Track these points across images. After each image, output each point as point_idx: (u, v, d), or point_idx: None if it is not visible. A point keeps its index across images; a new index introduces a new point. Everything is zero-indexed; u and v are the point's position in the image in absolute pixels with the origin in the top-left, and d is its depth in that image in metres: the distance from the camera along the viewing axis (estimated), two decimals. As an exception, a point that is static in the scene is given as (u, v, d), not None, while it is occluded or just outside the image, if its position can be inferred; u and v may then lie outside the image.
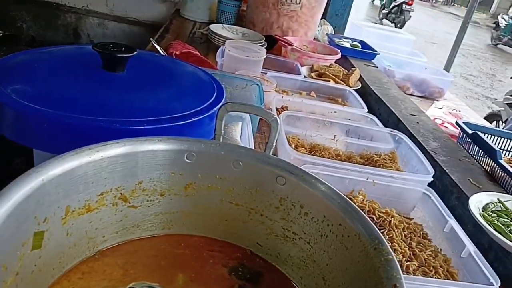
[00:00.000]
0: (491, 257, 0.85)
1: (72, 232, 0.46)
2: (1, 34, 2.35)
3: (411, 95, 2.10)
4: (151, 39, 1.45)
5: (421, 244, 0.77)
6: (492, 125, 3.91)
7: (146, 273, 0.49)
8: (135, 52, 0.66)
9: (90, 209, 0.48)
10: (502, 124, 3.70)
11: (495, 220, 0.81)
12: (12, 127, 0.57)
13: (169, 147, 0.52)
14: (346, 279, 0.45)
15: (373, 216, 0.79)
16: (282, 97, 1.32)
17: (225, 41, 1.48)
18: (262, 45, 1.89)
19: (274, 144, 0.55)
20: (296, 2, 1.90)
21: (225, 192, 0.56)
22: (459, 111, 1.82)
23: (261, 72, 1.44)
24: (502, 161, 1.05)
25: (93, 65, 0.67)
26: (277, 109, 1.29)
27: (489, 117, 3.94)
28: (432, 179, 0.92)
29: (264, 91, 1.26)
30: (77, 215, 0.47)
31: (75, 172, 0.44)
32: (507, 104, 3.64)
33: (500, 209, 0.88)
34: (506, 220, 0.84)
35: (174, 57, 1.46)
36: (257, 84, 1.12)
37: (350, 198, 0.83)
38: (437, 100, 2.11)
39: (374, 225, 0.44)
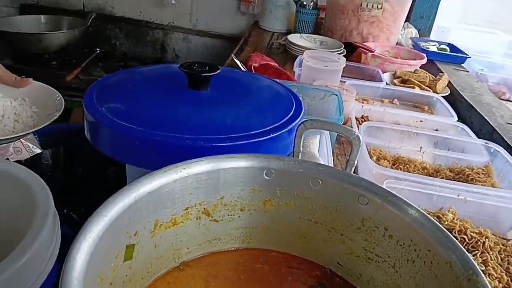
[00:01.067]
0: None
1: (159, 244, 0.49)
2: (98, 51, 2.58)
3: (507, 100, 1.91)
4: (232, 55, 1.50)
5: (521, 270, 0.70)
6: None
7: (227, 286, 0.51)
8: (218, 71, 0.68)
9: (176, 223, 0.51)
10: None
11: None
12: (107, 143, 0.62)
13: (249, 164, 0.53)
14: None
15: (465, 237, 0.73)
16: (363, 106, 1.28)
17: (303, 51, 1.48)
18: (340, 53, 1.86)
19: (356, 162, 0.54)
20: (377, 7, 1.84)
21: (304, 210, 0.55)
22: None
23: (340, 81, 1.42)
24: None
25: (179, 83, 0.71)
26: (356, 118, 1.25)
27: None
28: (536, 198, 0.82)
29: (343, 101, 1.23)
30: (165, 229, 0.49)
31: (164, 189, 0.47)
32: None
33: None
34: None
35: (253, 69, 1.49)
36: (336, 95, 1.10)
37: (438, 217, 0.78)
38: (540, 105, 1.89)
39: (468, 255, 0.41)
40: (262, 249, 0.58)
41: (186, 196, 0.50)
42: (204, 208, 0.53)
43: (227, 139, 0.60)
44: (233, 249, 0.57)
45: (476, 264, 0.40)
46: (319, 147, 0.83)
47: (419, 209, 0.47)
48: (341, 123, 0.96)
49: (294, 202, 0.55)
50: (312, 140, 0.84)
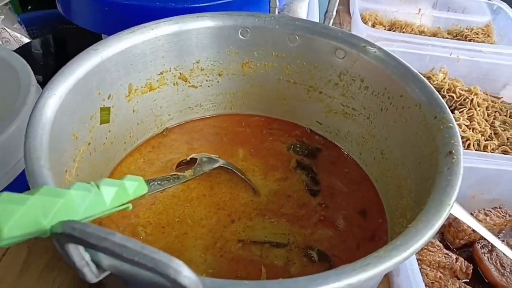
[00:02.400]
0: None
1: (138, 109, 0.50)
2: None
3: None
4: None
5: (506, 124, 0.70)
6: None
7: (209, 148, 0.52)
8: None
9: (152, 88, 0.51)
10: None
11: None
12: (78, 13, 0.60)
13: (222, 23, 0.51)
14: (404, 152, 0.43)
15: (453, 95, 0.73)
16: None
17: None
18: None
19: (334, 13, 0.51)
20: None
21: (282, 70, 0.54)
22: None
23: None
24: None
25: None
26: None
27: None
28: (533, 51, 0.79)
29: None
30: (141, 93, 0.49)
31: (133, 51, 0.46)
32: None
33: None
34: None
35: None
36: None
37: (429, 77, 0.77)
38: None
39: (438, 94, 0.41)
40: (243, 114, 0.59)
41: (159, 59, 0.49)
42: (180, 73, 0.52)
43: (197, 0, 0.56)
44: (215, 115, 0.58)
45: (444, 102, 0.39)
46: (307, 13, 0.79)
47: (394, 55, 0.46)
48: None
49: (272, 63, 0.54)
50: (300, 3, 0.79)
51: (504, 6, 0.93)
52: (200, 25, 0.50)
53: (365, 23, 0.96)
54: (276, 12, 0.53)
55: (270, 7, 0.53)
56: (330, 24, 0.51)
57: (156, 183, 0.39)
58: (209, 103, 0.57)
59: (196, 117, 0.57)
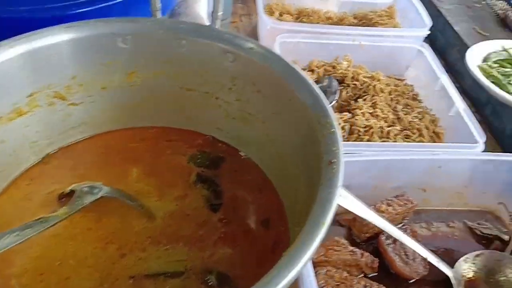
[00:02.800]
0: (488, 111, 0.80)
1: (6, 139, 0.44)
2: None
3: None
4: None
5: (408, 106, 0.72)
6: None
7: (97, 172, 0.48)
8: None
9: (22, 113, 0.45)
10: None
11: (494, 72, 0.73)
12: None
13: (97, 32, 0.46)
14: (297, 157, 0.42)
15: (357, 83, 0.73)
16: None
17: None
18: None
19: (220, 13, 0.48)
20: None
21: (174, 77, 0.51)
22: None
23: None
24: (515, 2, 0.91)
25: None
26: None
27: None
28: (428, 32, 0.81)
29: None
30: (7, 121, 0.43)
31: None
32: None
33: (504, 58, 0.80)
34: (508, 69, 0.76)
35: None
36: None
37: (334, 66, 0.77)
38: None
39: (323, 96, 0.39)
40: (138, 127, 0.54)
41: (24, 80, 0.43)
42: (54, 92, 0.47)
43: (73, 6, 0.51)
44: (103, 132, 0.53)
45: (328, 106, 0.38)
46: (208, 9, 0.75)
47: (282, 58, 0.44)
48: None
49: (161, 70, 0.50)
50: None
51: (402, -13, 0.96)
52: (71, 36, 0.45)
53: (272, 13, 0.94)
54: (160, 15, 0.49)
55: (152, 10, 0.48)
56: (219, 25, 0.48)
57: (12, 235, 0.34)
58: (95, 120, 0.52)
59: (81, 138, 0.51)
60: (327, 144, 0.35)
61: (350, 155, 0.54)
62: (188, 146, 0.53)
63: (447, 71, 0.92)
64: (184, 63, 0.49)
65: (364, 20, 0.95)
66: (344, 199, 0.39)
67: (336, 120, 0.37)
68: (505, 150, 0.74)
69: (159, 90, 0.52)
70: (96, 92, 0.50)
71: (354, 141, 0.66)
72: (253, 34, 0.94)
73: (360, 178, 0.56)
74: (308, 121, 0.39)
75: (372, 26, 0.93)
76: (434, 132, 0.67)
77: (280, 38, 0.74)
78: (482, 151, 0.59)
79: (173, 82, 0.51)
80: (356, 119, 0.67)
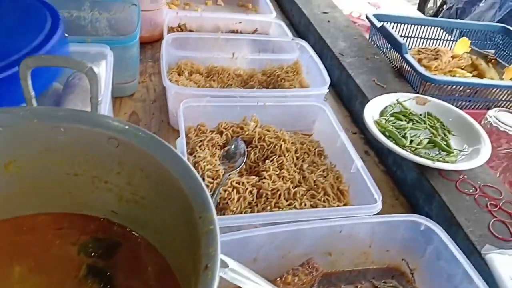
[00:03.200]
0: (390, 161, 0.84)
1: None
2: None
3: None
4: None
5: (314, 164, 0.74)
6: (430, 3, 3.85)
7: (-31, 275, 0.42)
8: None
9: None
10: (440, 1, 3.62)
11: (389, 126, 0.78)
12: None
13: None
14: (185, 247, 0.40)
15: (264, 144, 0.74)
16: (177, 13, 1.17)
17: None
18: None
19: (100, 99, 0.46)
20: None
21: (57, 164, 0.47)
22: (378, -1, 1.72)
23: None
24: (407, 55, 1.00)
25: None
26: (172, 28, 1.15)
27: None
28: (327, 90, 0.86)
29: (153, 10, 1.11)
30: None
31: None
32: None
33: (399, 110, 0.85)
34: (402, 123, 0.81)
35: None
36: (135, 4, 0.97)
37: (242, 127, 0.78)
38: (360, -12, 1.98)
39: (205, 189, 0.38)
40: (26, 216, 0.50)
41: None
42: None
43: None
44: (-15, 225, 0.48)
45: (210, 199, 0.37)
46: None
47: (168, 145, 0.43)
48: (137, 37, 0.86)
49: (42, 158, 0.47)
50: (96, 67, 0.73)
51: (306, 44, 1.01)
52: None
53: (182, 72, 0.94)
54: (35, 103, 0.46)
55: (25, 99, 0.45)
56: (98, 111, 0.46)
57: None
58: (-28, 214, 0.47)
59: (-44, 236, 0.46)
60: (206, 244, 0.33)
61: (251, 230, 0.53)
62: (80, 233, 0.49)
63: (353, 122, 0.97)
64: (67, 150, 0.46)
65: (272, 77, 0.98)
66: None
67: (215, 214, 0.35)
68: (407, 199, 0.78)
69: (44, 177, 0.48)
70: (-32, 186, 0.45)
71: (263, 204, 0.66)
72: (164, 93, 0.94)
73: (266, 249, 0.55)
74: (190, 214, 0.37)
75: (279, 82, 0.96)
76: (338, 189, 0.69)
77: (184, 103, 0.74)
78: (381, 208, 0.61)
79: (57, 168, 0.48)
80: (264, 182, 0.67)
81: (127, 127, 0.44)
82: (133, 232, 0.50)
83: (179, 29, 1.17)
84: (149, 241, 0.49)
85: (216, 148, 0.75)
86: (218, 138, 0.76)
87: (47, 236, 0.49)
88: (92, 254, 0.47)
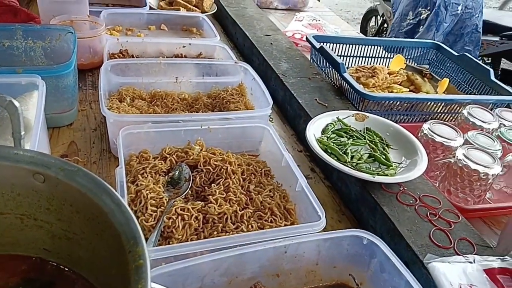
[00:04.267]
0: (335, 177, 0.86)
1: None
2: None
3: (275, 9, 2.01)
4: None
5: (261, 184, 0.74)
6: (372, 22, 4.05)
7: None
8: None
9: None
10: (380, 19, 3.82)
11: (331, 144, 0.80)
12: None
13: None
14: (122, 284, 0.38)
15: (209, 167, 0.73)
16: (118, 39, 1.15)
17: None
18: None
19: (22, 133, 0.44)
20: None
21: (-21, 204, 0.44)
22: (319, 20, 1.79)
23: (94, 12, 1.24)
24: (345, 74, 1.04)
25: None
26: (113, 54, 1.13)
27: (368, 13, 4.06)
28: (270, 111, 0.87)
29: (91, 37, 1.09)
30: None
31: None
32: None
33: (340, 127, 0.88)
34: (343, 139, 0.83)
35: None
36: (71, 32, 0.95)
37: (186, 152, 0.77)
38: (302, 10, 2.06)
39: (135, 221, 0.37)
40: None
41: None
42: None
43: None
44: None
45: (140, 232, 0.36)
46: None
47: (94, 176, 0.41)
48: (72, 65, 0.83)
49: (-38, 198, 0.44)
50: (28, 99, 0.70)
51: (248, 67, 1.02)
52: None
53: (123, 99, 0.92)
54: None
55: None
56: (22, 145, 0.44)
57: None
58: None
59: None
60: (135, 279, 0.32)
61: (193, 258, 0.52)
62: (10, 274, 0.46)
63: (298, 141, 0.99)
64: (-10, 188, 0.43)
65: (217, 100, 0.98)
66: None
67: (145, 247, 0.34)
68: (352, 213, 0.80)
69: (-36, 218, 0.45)
70: None
71: (210, 229, 0.65)
72: (104, 121, 0.91)
73: (211, 276, 0.54)
74: (122, 248, 0.36)
75: (225, 104, 0.96)
76: (285, 208, 0.70)
77: (124, 130, 0.72)
78: (325, 225, 0.62)
79: (-21, 209, 0.45)
80: (209, 207, 0.66)
81: (53, 160, 0.42)
82: (68, 270, 0.47)
83: (121, 55, 1.15)
84: (85, 278, 0.46)
85: (160, 175, 0.73)
86: (161, 164, 0.74)
87: (-30, 282, 0.45)
88: (23, 298, 0.44)
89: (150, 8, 1.47)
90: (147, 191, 0.67)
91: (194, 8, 1.58)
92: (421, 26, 2.73)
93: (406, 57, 1.38)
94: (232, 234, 0.63)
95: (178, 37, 1.39)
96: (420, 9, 2.74)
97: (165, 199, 0.68)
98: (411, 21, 2.79)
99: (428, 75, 1.35)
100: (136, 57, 1.13)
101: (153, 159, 0.75)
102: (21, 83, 0.70)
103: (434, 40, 2.41)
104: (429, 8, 2.71)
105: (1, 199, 0.45)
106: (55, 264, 0.48)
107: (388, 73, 1.20)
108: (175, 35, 1.42)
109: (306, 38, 1.25)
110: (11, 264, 0.48)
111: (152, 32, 1.41)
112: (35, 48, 0.96)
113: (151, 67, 0.99)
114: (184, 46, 1.22)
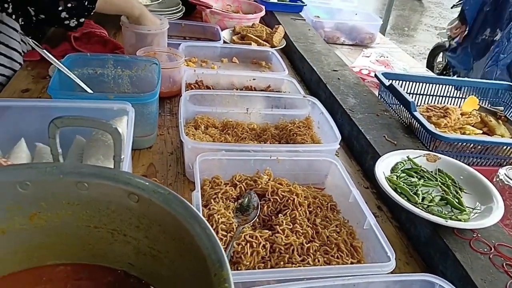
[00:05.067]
0: (404, 217, 0.84)
1: None
2: None
3: (342, 44, 2.04)
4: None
5: (327, 219, 0.75)
6: (439, 58, 3.96)
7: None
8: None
9: None
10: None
11: (401, 183, 0.79)
12: None
13: (-7, 180, 0.45)
14: (203, 305, 0.41)
15: (277, 197, 0.76)
16: (195, 70, 1.23)
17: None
18: (178, 11, 1.77)
19: (122, 157, 0.49)
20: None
21: (79, 217, 0.49)
22: (387, 57, 1.79)
23: (172, 44, 1.34)
24: (416, 113, 1.03)
25: None
26: (190, 84, 1.21)
27: (436, 49, 3.97)
28: (338, 146, 0.88)
29: (172, 68, 1.17)
30: None
31: None
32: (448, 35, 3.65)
33: (410, 167, 0.87)
34: (413, 179, 0.82)
35: (72, 39, 1.32)
36: (156, 63, 1.03)
37: (255, 180, 0.79)
38: (370, 46, 2.07)
39: (220, 246, 0.40)
40: (45, 266, 0.51)
41: None
42: None
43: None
44: (7, 275, 0.49)
45: (225, 256, 0.38)
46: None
47: (183, 200, 0.45)
48: (157, 94, 0.90)
49: (65, 211, 0.49)
50: (118, 123, 0.77)
51: (316, 101, 1.05)
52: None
53: (198, 126, 0.98)
54: (61, 159, 0.49)
55: (52, 155, 0.48)
56: (121, 168, 0.49)
57: None
58: (-4, 264, 0.48)
59: (-22, 286, 0.48)
60: (220, 304, 0.34)
61: (264, 287, 0.53)
62: (98, 284, 0.50)
63: (364, 177, 0.98)
64: (89, 204, 0.49)
65: (284, 131, 1.01)
66: None
67: (230, 272, 0.36)
68: (421, 256, 0.78)
69: (65, 229, 0.50)
70: (-7, 237, 0.47)
71: (276, 259, 0.66)
72: (180, 146, 0.97)
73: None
74: (205, 270, 0.39)
75: (291, 136, 0.99)
76: (352, 245, 0.69)
77: (200, 157, 0.77)
78: (395, 266, 0.61)
79: (78, 221, 0.50)
80: (277, 237, 0.68)
81: (147, 183, 0.47)
82: (150, 286, 0.51)
83: (196, 85, 1.22)
84: (164, 295, 0.50)
85: (229, 201, 0.76)
86: (232, 190, 0.78)
87: (65, 287, 0.50)
88: (108, 307, 0.48)
89: (224, 42, 1.56)
90: (219, 216, 0.70)
91: (264, 42, 1.64)
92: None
93: (479, 98, 1.33)
94: (298, 266, 0.64)
95: (249, 70, 1.45)
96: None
97: (235, 225, 0.71)
98: (487, 38, 2.70)
99: (503, 117, 1.30)
100: (210, 88, 1.20)
101: (224, 185, 0.79)
102: (113, 109, 0.77)
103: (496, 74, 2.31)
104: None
105: (97, 214, 0.50)
106: (137, 278, 0.52)
107: (460, 114, 1.17)
108: (246, 68, 1.49)
109: (375, 74, 1.26)
110: (100, 274, 0.52)
111: (224, 64, 1.48)
112: (123, 76, 1.05)
113: (224, 98, 1.05)
114: (254, 79, 1.28)
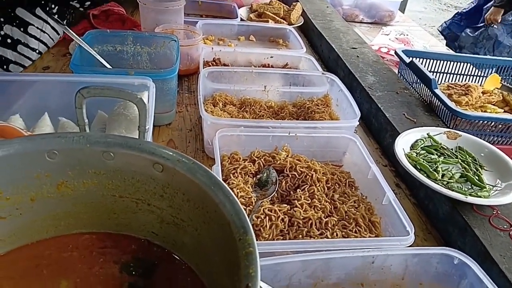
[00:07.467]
0: (422, 194, 0.84)
1: None
2: None
3: (360, 22, 2.01)
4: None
5: (345, 194, 0.75)
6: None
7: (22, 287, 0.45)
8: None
9: None
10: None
11: (421, 160, 0.78)
12: None
13: (24, 149, 0.46)
14: (223, 268, 0.42)
15: (295, 173, 0.76)
16: (212, 48, 1.23)
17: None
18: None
19: (147, 127, 0.49)
20: None
21: (104, 186, 0.51)
22: (407, 35, 1.75)
23: (189, 22, 1.33)
24: (437, 90, 1.01)
25: None
26: (207, 62, 1.21)
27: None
28: (358, 123, 0.88)
29: (190, 45, 1.17)
30: None
31: None
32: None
33: (430, 144, 0.86)
34: (433, 156, 0.81)
35: (91, 17, 1.33)
36: (175, 40, 1.03)
37: (273, 156, 0.80)
38: (389, 24, 2.02)
39: (244, 213, 0.40)
40: (71, 234, 0.53)
41: None
42: (-22, 208, 0.45)
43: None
44: (34, 242, 0.51)
45: (249, 222, 0.39)
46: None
47: (207, 170, 0.46)
48: (176, 70, 0.91)
49: (91, 180, 0.50)
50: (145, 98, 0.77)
51: (336, 78, 1.04)
52: (-4, 154, 0.44)
53: (216, 104, 0.98)
54: (87, 129, 0.50)
55: (79, 125, 0.49)
56: (145, 138, 0.50)
57: None
58: (27, 231, 0.50)
59: (8, 250, 0.49)
60: (246, 265, 0.35)
61: (284, 256, 0.54)
62: (122, 252, 0.52)
63: (383, 155, 0.98)
64: (114, 173, 0.50)
65: (302, 109, 1.01)
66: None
67: (254, 236, 0.37)
68: (439, 232, 0.78)
69: (91, 198, 0.52)
70: (25, 204, 0.49)
71: (295, 232, 0.67)
72: (199, 123, 0.98)
73: (298, 276, 0.56)
74: (230, 236, 0.39)
75: (309, 114, 0.99)
76: (370, 220, 0.70)
77: (220, 132, 0.77)
78: (413, 241, 0.61)
79: (104, 191, 0.51)
80: (295, 211, 0.69)
81: (172, 153, 0.47)
82: (173, 254, 0.52)
83: (214, 63, 1.22)
84: (187, 264, 0.51)
85: (248, 176, 0.77)
86: (250, 166, 0.78)
87: (91, 254, 0.51)
88: (133, 273, 0.49)
89: (241, 19, 1.55)
90: (238, 190, 0.71)
91: (282, 20, 1.63)
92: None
93: (500, 76, 1.30)
94: (317, 239, 0.65)
95: (266, 47, 1.44)
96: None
97: (253, 199, 0.71)
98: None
99: (526, 96, 1.27)
100: (228, 66, 1.20)
101: (243, 161, 0.80)
102: (134, 84, 0.78)
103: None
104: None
105: (122, 184, 0.51)
106: (160, 247, 0.53)
107: (482, 92, 1.14)
108: (263, 45, 1.48)
109: (395, 52, 1.24)
110: (124, 243, 0.54)
111: (241, 43, 1.48)
112: (142, 53, 1.06)
113: (242, 76, 1.05)
114: (271, 57, 1.27)
